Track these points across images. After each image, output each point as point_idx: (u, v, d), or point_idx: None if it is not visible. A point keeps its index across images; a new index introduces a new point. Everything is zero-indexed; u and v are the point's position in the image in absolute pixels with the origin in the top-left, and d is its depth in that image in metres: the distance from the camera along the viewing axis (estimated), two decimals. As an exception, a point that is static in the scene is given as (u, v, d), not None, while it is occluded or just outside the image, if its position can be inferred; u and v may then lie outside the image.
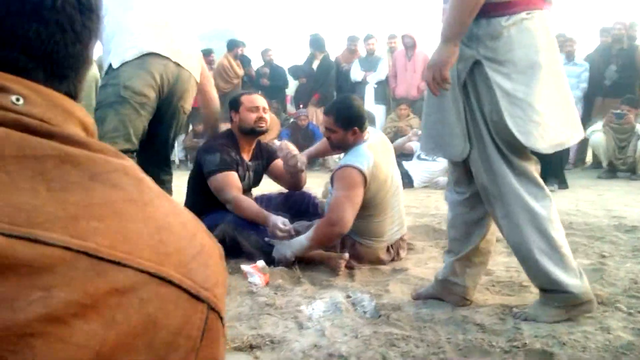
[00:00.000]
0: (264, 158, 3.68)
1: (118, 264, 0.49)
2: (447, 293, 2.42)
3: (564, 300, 2.18)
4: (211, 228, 3.23)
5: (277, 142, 3.94)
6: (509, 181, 2.19)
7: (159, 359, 0.50)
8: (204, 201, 3.35)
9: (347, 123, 3.07)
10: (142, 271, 0.51)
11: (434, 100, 2.30)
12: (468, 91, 2.21)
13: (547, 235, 2.18)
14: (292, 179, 3.59)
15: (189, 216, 0.61)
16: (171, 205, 0.59)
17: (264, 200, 3.67)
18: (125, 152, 2.83)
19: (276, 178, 3.76)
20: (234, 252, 3.16)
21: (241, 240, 3.18)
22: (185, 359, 0.53)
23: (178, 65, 2.98)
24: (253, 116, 3.43)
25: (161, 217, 0.56)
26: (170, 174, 3.28)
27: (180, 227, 0.57)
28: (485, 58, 2.14)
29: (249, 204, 3.28)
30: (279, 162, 3.65)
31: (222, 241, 3.18)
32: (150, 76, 2.87)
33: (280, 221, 3.07)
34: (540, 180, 2.23)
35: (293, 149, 3.43)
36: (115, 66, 2.87)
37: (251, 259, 3.02)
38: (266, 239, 3.09)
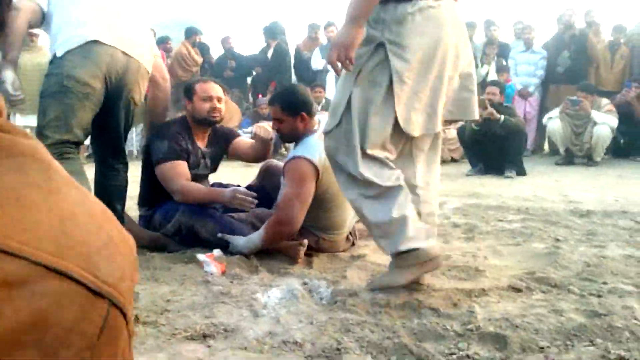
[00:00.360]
0: (221, 142, 3.58)
1: (12, 254, 0.45)
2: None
3: (415, 257, 2.27)
4: (166, 219, 3.18)
5: (244, 131, 3.92)
6: (360, 162, 2.26)
7: (48, 356, 0.47)
8: (157, 189, 3.28)
9: (294, 109, 3.02)
10: (38, 264, 0.47)
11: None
12: (361, 71, 2.25)
13: (399, 204, 2.28)
14: (262, 147, 3.50)
15: (98, 207, 0.57)
16: (79, 194, 0.56)
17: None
18: (65, 142, 2.79)
19: (239, 156, 3.66)
20: (191, 241, 3.11)
21: (198, 228, 3.12)
22: (78, 357, 0.49)
23: (126, 54, 2.89)
24: (206, 106, 3.32)
25: (66, 206, 0.52)
26: (125, 163, 3.20)
27: (87, 218, 0.54)
28: (389, 41, 2.18)
29: (197, 187, 3.23)
30: (238, 140, 3.61)
31: (178, 231, 3.12)
32: (96, 66, 2.78)
33: (241, 191, 3.08)
34: (389, 163, 2.32)
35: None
36: (59, 55, 2.79)
37: (208, 247, 2.98)
38: (219, 235, 3.03)
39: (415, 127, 2.25)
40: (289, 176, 2.90)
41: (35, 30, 8.55)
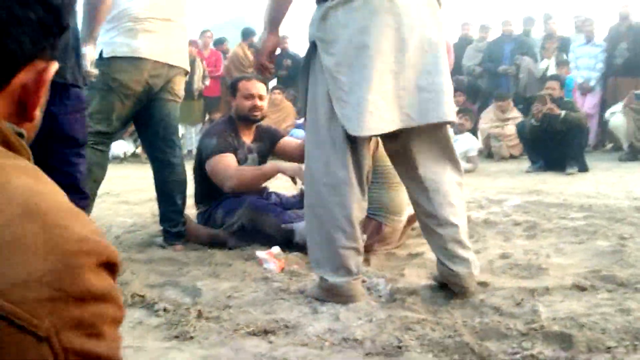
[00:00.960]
0: (267, 141, 3.64)
1: None
2: (451, 285, 2.31)
3: (326, 286, 2.23)
4: (229, 214, 3.25)
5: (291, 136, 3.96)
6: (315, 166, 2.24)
7: None
8: (213, 186, 3.35)
9: None
10: None
11: None
12: (308, 73, 2.23)
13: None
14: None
15: (12, 202, 0.51)
16: None
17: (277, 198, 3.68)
18: (105, 134, 3.06)
19: (287, 155, 3.71)
20: (252, 236, 3.17)
21: (262, 222, 3.17)
22: None
23: (168, 64, 3.13)
24: (247, 104, 3.40)
25: None
26: (178, 156, 3.32)
27: None
28: (318, 39, 2.14)
29: (251, 169, 3.31)
30: (285, 140, 3.70)
31: (241, 227, 3.18)
32: (139, 73, 3.02)
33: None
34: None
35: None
36: (106, 55, 2.99)
37: (269, 242, 3.01)
38: (283, 225, 3.07)
39: (355, 125, 2.08)
40: None
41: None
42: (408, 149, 2.26)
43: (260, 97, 3.44)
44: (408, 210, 3.16)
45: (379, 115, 2.07)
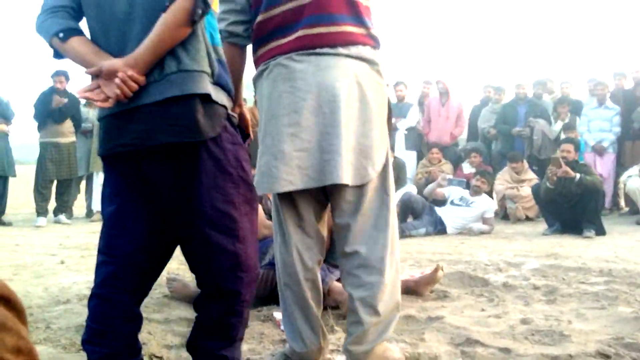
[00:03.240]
0: None
1: None
2: None
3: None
4: (260, 251, 3.28)
5: None
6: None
7: None
8: None
9: None
10: None
11: None
12: None
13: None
14: None
15: None
16: None
17: None
18: None
19: None
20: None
21: None
22: None
23: None
24: None
25: None
26: None
27: None
28: None
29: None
30: None
31: (270, 263, 3.21)
32: None
33: None
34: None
35: None
36: None
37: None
38: None
39: (260, 187, 2.12)
40: None
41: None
42: (333, 210, 2.23)
43: None
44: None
45: (274, 175, 2.09)
